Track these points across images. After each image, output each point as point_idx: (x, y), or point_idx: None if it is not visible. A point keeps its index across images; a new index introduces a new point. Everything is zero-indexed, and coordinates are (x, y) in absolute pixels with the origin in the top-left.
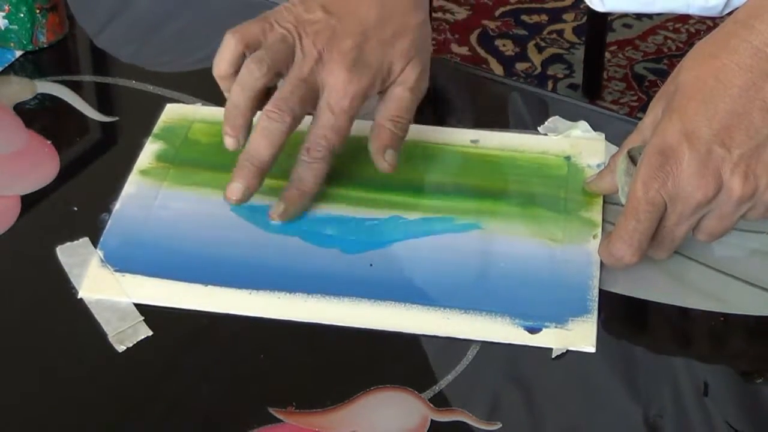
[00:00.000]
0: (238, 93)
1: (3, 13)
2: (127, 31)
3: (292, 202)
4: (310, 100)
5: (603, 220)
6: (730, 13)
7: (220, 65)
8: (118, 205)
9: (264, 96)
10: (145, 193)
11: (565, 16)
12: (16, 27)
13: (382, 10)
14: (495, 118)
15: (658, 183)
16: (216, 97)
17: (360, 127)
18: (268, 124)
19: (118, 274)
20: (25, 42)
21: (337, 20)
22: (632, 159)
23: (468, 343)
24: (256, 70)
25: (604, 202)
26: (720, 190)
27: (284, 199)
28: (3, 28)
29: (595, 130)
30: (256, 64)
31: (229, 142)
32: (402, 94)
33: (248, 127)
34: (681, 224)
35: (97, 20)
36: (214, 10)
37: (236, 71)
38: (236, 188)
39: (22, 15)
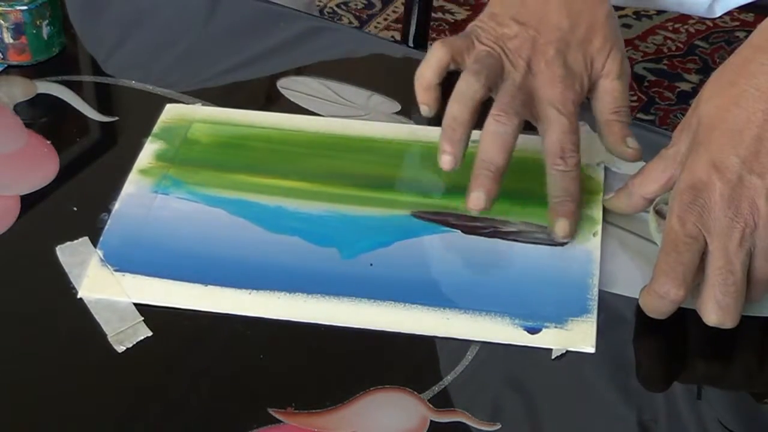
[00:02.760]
0: (457, 106)
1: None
2: (132, 56)
3: (571, 216)
4: (528, 106)
5: (604, 221)
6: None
7: (426, 73)
8: (117, 205)
9: (479, 112)
10: (144, 193)
11: None
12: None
13: (571, 13)
14: None
15: (694, 216)
16: (216, 98)
17: (360, 127)
18: (497, 128)
19: (118, 273)
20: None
21: (534, 31)
22: (659, 214)
23: (467, 343)
24: (475, 81)
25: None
26: (757, 217)
27: (563, 214)
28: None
29: (595, 130)
30: (474, 76)
31: (447, 161)
32: (611, 85)
33: (466, 143)
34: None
35: (103, 45)
36: (217, 32)
37: (439, 83)
38: (477, 197)
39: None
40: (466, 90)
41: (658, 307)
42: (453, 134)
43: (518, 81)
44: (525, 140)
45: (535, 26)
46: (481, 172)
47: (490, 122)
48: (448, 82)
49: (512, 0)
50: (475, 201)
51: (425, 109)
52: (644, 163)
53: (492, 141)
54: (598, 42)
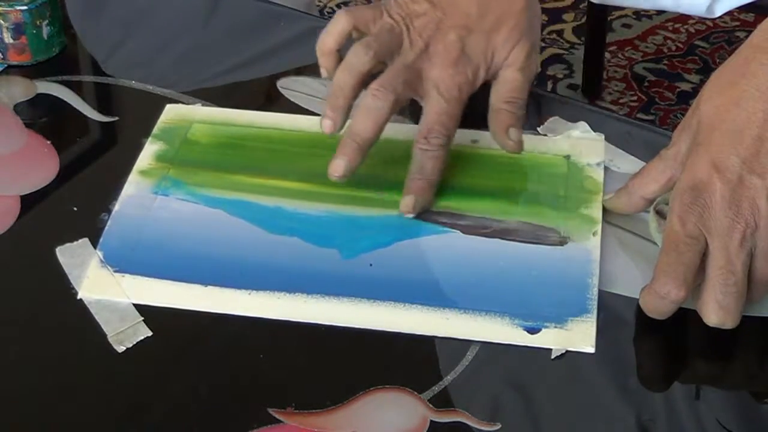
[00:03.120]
0: (343, 75)
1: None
2: (132, 56)
3: (420, 193)
4: (413, 86)
5: (604, 220)
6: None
7: (327, 40)
8: (117, 206)
9: (365, 84)
10: (144, 194)
11: (564, 17)
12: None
13: (483, 1)
14: None
15: (694, 216)
16: (216, 98)
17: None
18: (372, 102)
19: (117, 274)
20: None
21: (441, 13)
22: (659, 214)
23: (467, 343)
24: (363, 54)
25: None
26: (758, 218)
27: (411, 191)
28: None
29: (594, 130)
30: (363, 48)
31: (327, 124)
32: (512, 75)
33: (347, 111)
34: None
35: (103, 45)
36: (217, 32)
37: (339, 49)
38: (339, 164)
39: None
40: (354, 61)
41: (659, 307)
42: (335, 101)
43: (410, 60)
44: (526, 141)
45: (444, 8)
46: (348, 141)
47: (366, 96)
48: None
49: None
50: (335, 167)
51: (323, 72)
52: (644, 164)
53: (364, 114)
54: (504, 32)
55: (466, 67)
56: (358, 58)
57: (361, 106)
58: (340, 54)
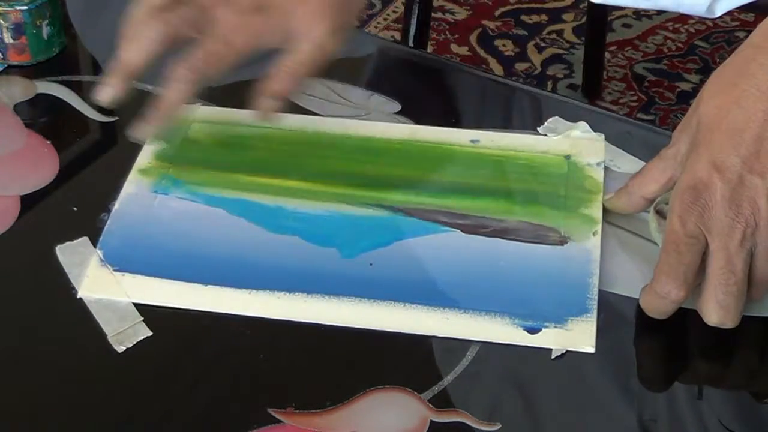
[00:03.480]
0: (136, 7)
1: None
2: None
3: (155, 120)
4: (197, 23)
5: (604, 220)
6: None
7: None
8: (117, 205)
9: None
10: (144, 193)
11: (564, 17)
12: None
13: None
14: (495, 118)
15: (694, 216)
16: (216, 98)
17: (360, 127)
18: (140, 28)
19: (117, 273)
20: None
21: None
22: (659, 214)
23: (467, 343)
24: None
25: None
26: (758, 217)
27: (148, 119)
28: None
29: (594, 130)
30: None
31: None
32: (308, 48)
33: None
34: (743, 261)
35: (103, 45)
36: None
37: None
38: (104, 91)
39: None
40: None
41: (659, 307)
42: (125, 32)
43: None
44: (526, 140)
45: None
46: (113, 67)
47: (139, 21)
48: None
49: None
50: (100, 93)
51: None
52: (644, 164)
53: (132, 39)
54: (314, 4)
55: (258, 23)
56: None
57: (132, 31)
58: None
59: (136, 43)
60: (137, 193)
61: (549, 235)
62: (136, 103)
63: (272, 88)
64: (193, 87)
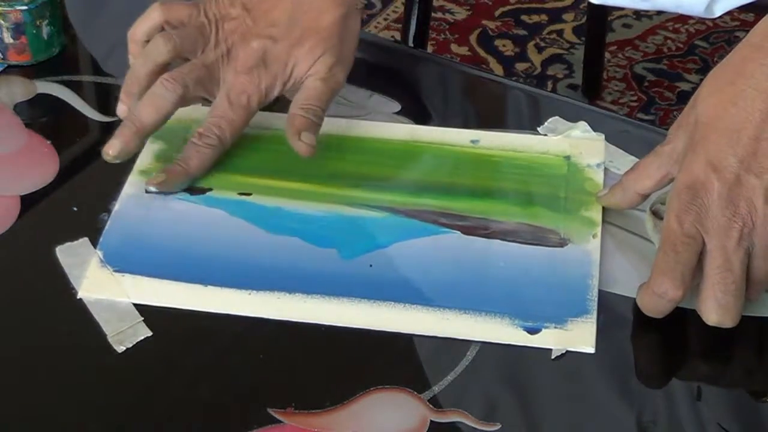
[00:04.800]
0: (140, 63)
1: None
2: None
3: (173, 176)
4: (206, 84)
5: (603, 220)
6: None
7: (137, 30)
8: (117, 206)
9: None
10: (144, 194)
11: (564, 16)
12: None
13: (293, 12)
14: (495, 118)
15: (692, 216)
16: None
17: (360, 127)
18: (158, 90)
19: (117, 274)
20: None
21: (252, 21)
22: (656, 214)
23: (467, 343)
24: (162, 45)
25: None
26: (755, 217)
27: (167, 171)
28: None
29: (594, 130)
30: (163, 39)
31: (120, 109)
32: (312, 84)
33: (140, 98)
34: (740, 261)
35: (103, 45)
36: None
37: (148, 40)
38: (113, 145)
39: None
40: (152, 50)
41: (656, 306)
42: (129, 87)
43: (209, 60)
44: (526, 141)
45: (255, 16)
46: (127, 124)
47: (156, 84)
48: None
49: None
50: (109, 146)
51: (130, 57)
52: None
53: (149, 101)
54: (308, 45)
55: (260, 77)
56: (156, 48)
57: (149, 92)
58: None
59: (152, 104)
60: (137, 194)
61: (548, 237)
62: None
63: (296, 127)
64: (216, 153)
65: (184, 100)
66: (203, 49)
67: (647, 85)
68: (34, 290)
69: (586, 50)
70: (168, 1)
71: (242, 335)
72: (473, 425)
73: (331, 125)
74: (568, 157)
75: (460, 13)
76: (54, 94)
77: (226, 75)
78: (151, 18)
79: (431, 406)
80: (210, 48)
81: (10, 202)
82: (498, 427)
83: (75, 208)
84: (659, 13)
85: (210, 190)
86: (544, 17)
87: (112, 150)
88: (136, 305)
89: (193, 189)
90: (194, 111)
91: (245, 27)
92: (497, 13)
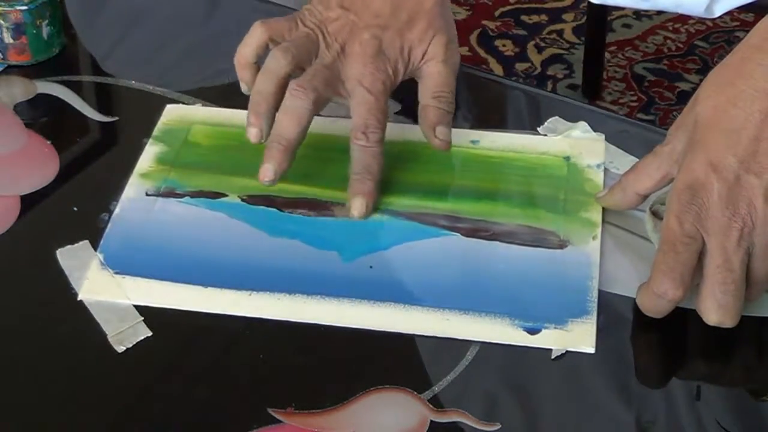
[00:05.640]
0: (263, 80)
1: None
2: (132, 56)
3: (370, 196)
4: (333, 84)
5: (603, 221)
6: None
7: (244, 52)
8: (117, 209)
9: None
10: (144, 197)
11: (564, 17)
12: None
13: (394, 1)
14: (495, 118)
15: (691, 216)
16: (216, 98)
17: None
18: (292, 102)
19: (118, 276)
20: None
21: (354, 15)
22: (655, 214)
23: (467, 343)
24: (282, 57)
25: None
26: (755, 217)
27: (360, 192)
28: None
29: (594, 130)
30: (281, 52)
31: (252, 133)
32: (435, 68)
33: (271, 116)
34: (739, 261)
35: (103, 45)
36: (217, 31)
37: (257, 61)
38: (267, 169)
39: None
40: (273, 66)
41: (656, 306)
42: (258, 108)
43: (327, 61)
44: (526, 141)
45: (356, 11)
46: (272, 145)
47: (287, 96)
48: None
49: None
50: (264, 172)
51: (243, 87)
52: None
53: (286, 114)
54: (418, 29)
55: (384, 63)
56: (277, 62)
57: (282, 107)
58: (258, 66)
59: (290, 117)
60: (137, 197)
61: (548, 239)
62: (136, 103)
63: (431, 120)
64: (383, 146)
65: (317, 106)
66: (317, 54)
67: (647, 85)
68: (33, 290)
69: (586, 50)
70: (266, 20)
71: (242, 335)
72: (473, 425)
73: (331, 126)
74: (567, 158)
75: (460, 13)
76: (54, 94)
77: (350, 70)
78: (255, 37)
79: (431, 406)
80: (323, 51)
81: (10, 202)
82: (498, 427)
83: (75, 208)
84: (659, 13)
85: (225, 195)
86: (544, 17)
87: (267, 176)
88: (136, 306)
89: (196, 193)
90: (195, 112)
91: (351, 23)
92: (497, 13)
